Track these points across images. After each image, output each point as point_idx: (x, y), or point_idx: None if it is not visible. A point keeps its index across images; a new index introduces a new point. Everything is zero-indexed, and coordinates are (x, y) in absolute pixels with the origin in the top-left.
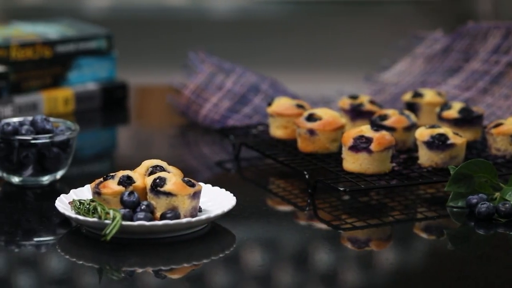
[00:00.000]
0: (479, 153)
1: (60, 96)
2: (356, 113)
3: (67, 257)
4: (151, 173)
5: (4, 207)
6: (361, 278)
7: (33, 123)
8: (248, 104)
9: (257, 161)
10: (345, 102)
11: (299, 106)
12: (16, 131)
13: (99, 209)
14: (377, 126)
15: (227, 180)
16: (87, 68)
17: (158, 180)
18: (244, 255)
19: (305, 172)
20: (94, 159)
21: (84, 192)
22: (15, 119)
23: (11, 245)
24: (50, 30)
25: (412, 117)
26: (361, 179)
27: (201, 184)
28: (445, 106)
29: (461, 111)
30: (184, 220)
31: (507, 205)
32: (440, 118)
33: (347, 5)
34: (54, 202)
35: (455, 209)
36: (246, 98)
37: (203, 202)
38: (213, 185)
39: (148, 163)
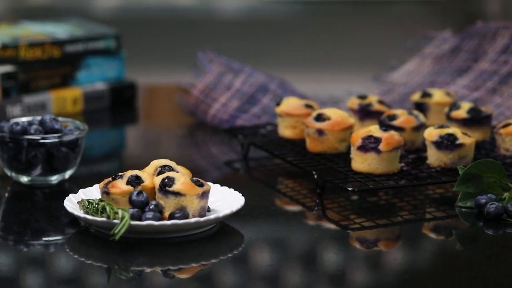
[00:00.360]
0: (488, 153)
1: (69, 96)
2: (365, 113)
3: (76, 256)
4: (159, 173)
5: (13, 207)
6: (370, 278)
7: (42, 123)
8: (257, 104)
9: (266, 161)
10: (354, 102)
11: (308, 106)
12: (25, 130)
13: (107, 208)
14: (385, 126)
15: (235, 180)
16: (95, 68)
17: (166, 180)
18: (253, 255)
19: (314, 172)
20: (102, 159)
21: (93, 192)
22: (24, 119)
23: (20, 244)
24: (59, 30)
25: (421, 117)
26: (369, 179)
27: (210, 184)
28: (454, 106)
29: (470, 111)
30: (192, 220)
31: None
32: (449, 118)
33: (356, 5)
34: (63, 202)
35: (463, 209)
36: (254, 98)
37: (211, 202)
38: (221, 185)
39: (156, 163)
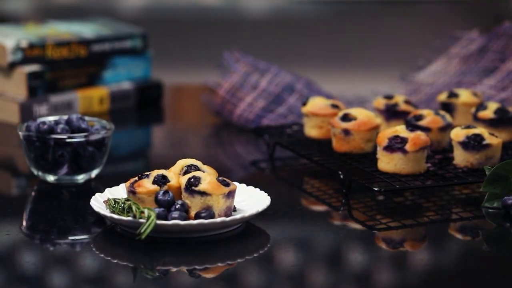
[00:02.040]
0: None
1: (95, 95)
2: (391, 113)
3: (102, 255)
4: (185, 172)
5: (40, 206)
6: (395, 279)
7: (68, 122)
8: (283, 103)
9: (292, 161)
10: (380, 102)
11: (334, 106)
12: (51, 130)
13: (133, 208)
14: (412, 126)
15: (261, 180)
16: (122, 67)
17: (192, 179)
18: (278, 255)
19: (340, 172)
20: (129, 158)
21: (119, 191)
22: (51, 118)
23: (46, 243)
24: (86, 30)
25: (448, 117)
26: (396, 179)
27: (236, 183)
28: (481, 106)
29: (497, 111)
30: (218, 219)
31: None
32: (476, 118)
33: (382, 5)
34: (89, 201)
35: (490, 210)
36: (280, 97)
37: (237, 201)
38: (247, 185)
39: (182, 163)
